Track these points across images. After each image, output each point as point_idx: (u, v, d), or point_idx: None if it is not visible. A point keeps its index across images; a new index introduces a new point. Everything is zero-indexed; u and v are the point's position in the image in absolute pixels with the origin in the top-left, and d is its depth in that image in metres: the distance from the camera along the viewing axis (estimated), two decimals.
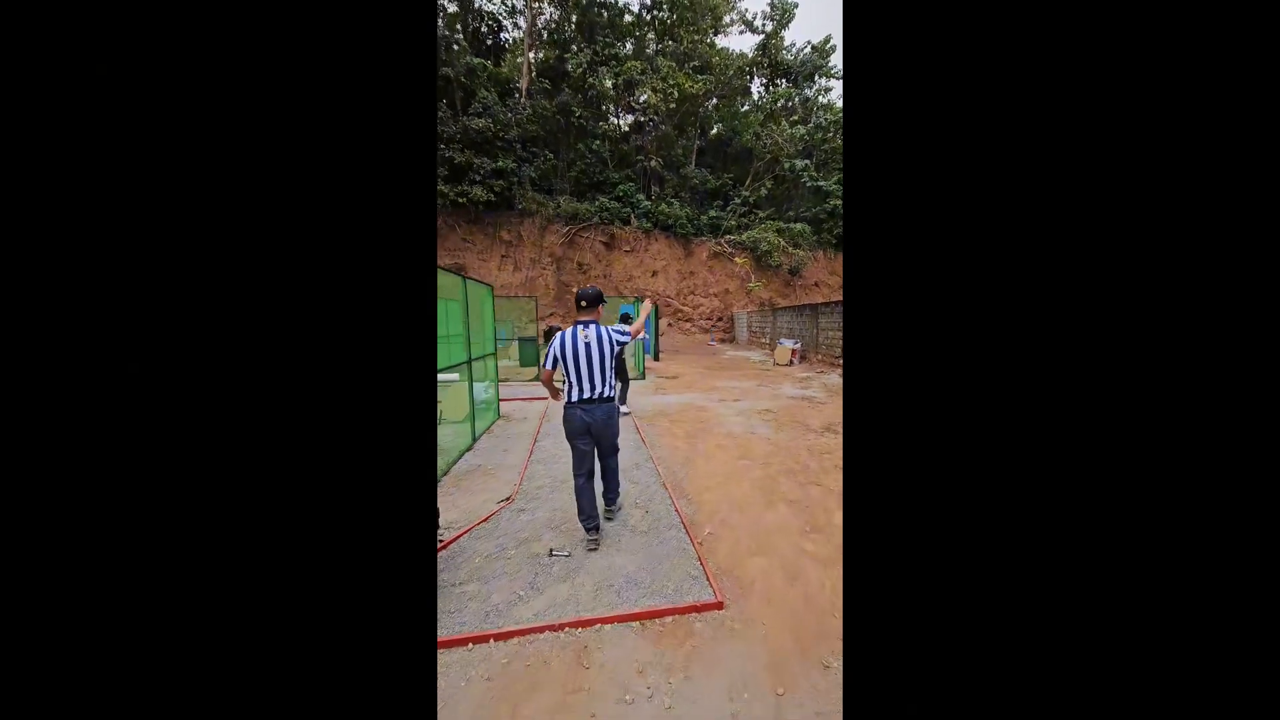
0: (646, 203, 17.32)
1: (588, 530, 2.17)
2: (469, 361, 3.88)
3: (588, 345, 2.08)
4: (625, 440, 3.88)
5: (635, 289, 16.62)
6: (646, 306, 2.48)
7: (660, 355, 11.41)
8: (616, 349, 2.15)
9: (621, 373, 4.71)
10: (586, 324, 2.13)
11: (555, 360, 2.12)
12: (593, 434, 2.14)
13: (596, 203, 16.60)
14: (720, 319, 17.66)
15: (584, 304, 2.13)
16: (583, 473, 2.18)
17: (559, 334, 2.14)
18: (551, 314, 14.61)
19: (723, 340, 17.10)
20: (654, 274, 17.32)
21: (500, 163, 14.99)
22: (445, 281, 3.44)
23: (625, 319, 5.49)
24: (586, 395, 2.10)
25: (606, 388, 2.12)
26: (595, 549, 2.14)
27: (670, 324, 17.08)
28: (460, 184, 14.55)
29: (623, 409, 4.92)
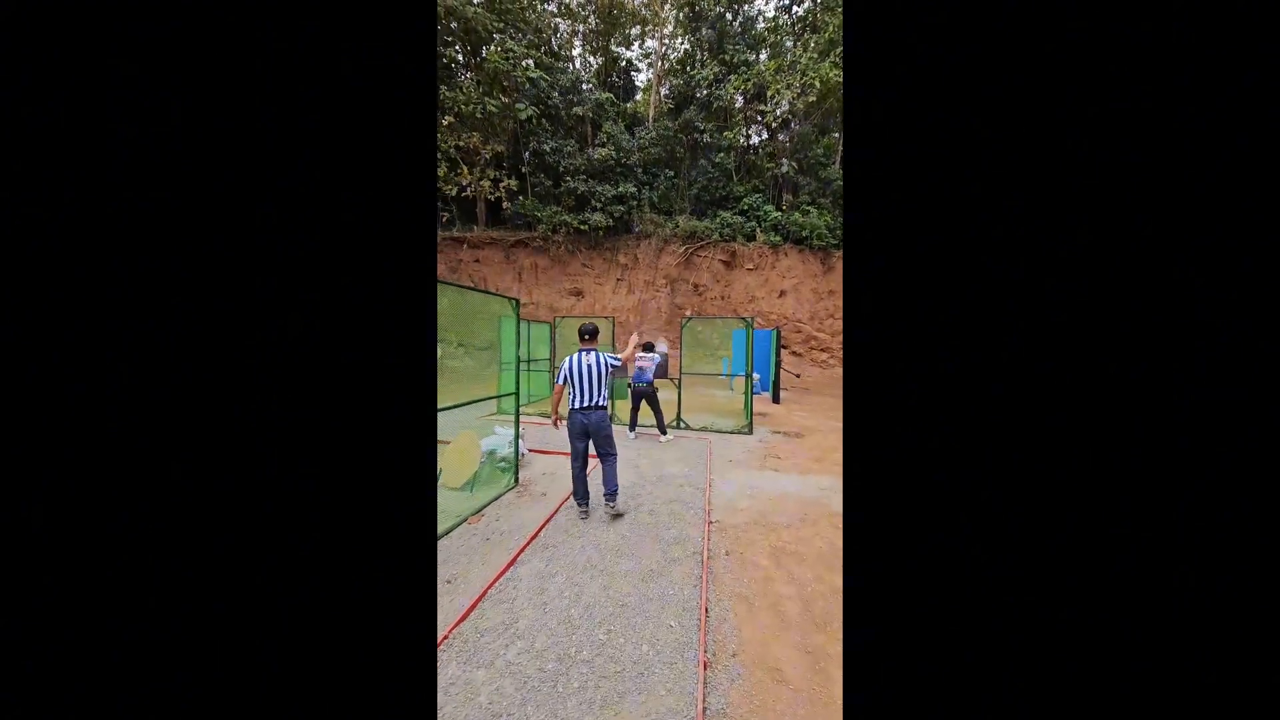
0: (776, 214, 15.07)
1: (579, 504, 3.05)
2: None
3: (589, 366, 2.99)
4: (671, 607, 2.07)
5: (756, 311, 14.37)
6: (634, 338, 3.36)
7: (782, 397, 8.95)
8: (611, 370, 3.07)
9: (653, 402, 5.20)
10: (588, 351, 3.05)
11: (565, 378, 3.01)
12: (589, 434, 2.98)
13: (717, 219, 15.10)
14: None
15: (586, 336, 3.07)
16: (578, 464, 3.02)
17: (566, 358, 3.03)
18: (659, 338, 13.42)
19: None
20: (781, 294, 14.79)
21: (621, 188, 14.85)
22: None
23: (660, 352, 4.54)
24: (585, 404, 2.97)
25: (600, 399, 3.00)
26: (585, 518, 2.99)
27: (798, 354, 14.21)
28: (582, 212, 14.83)
29: (664, 438, 5.22)
